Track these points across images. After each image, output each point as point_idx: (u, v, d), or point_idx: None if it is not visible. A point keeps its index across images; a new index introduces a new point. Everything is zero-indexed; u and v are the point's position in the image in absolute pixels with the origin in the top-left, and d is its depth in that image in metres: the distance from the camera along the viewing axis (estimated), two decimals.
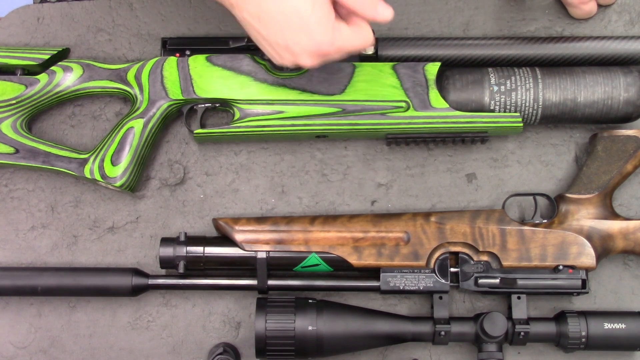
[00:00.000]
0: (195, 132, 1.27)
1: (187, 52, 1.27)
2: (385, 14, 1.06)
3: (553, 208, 1.27)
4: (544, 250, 1.22)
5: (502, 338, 1.20)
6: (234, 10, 1.08)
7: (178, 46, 1.28)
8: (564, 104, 1.24)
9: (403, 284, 1.22)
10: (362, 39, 1.08)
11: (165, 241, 1.24)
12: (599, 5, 1.34)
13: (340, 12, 1.08)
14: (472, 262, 1.23)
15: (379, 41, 1.27)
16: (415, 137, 1.25)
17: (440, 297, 1.23)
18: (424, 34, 1.35)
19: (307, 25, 1.03)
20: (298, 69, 1.25)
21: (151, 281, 1.25)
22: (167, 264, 1.24)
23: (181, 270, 1.23)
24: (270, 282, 1.24)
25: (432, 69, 1.25)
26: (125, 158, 1.26)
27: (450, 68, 1.27)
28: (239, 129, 1.25)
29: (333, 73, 1.25)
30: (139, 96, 1.27)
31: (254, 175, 1.33)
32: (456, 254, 1.24)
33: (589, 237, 1.23)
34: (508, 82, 1.24)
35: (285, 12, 1.03)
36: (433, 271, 1.23)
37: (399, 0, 1.35)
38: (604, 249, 1.24)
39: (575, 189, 1.25)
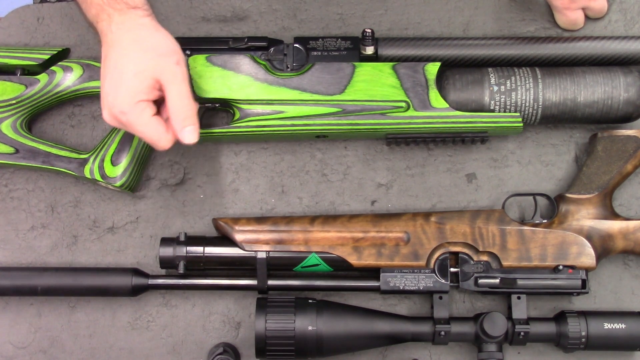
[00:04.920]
0: None
1: (187, 52, 1.26)
2: (188, 138, 1.15)
3: (553, 208, 1.27)
4: (544, 250, 1.22)
5: (502, 338, 1.20)
6: (102, 39, 1.17)
7: None
8: (564, 104, 1.24)
9: (403, 284, 1.22)
10: (155, 133, 1.14)
11: (165, 241, 1.24)
12: (588, 18, 1.34)
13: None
14: (472, 262, 1.23)
15: (379, 41, 1.27)
16: (415, 137, 1.25)
17: (440, 297, 1.23)
18: (424, 34, 1.35)
19: (118, 86, 1.12)
20: (299, 69, 1.26)
21: (151, 281, 1.25)
22: (167, 264, 1.24)
23: (181, 270, 1.23)
24: (270, 282, 1.24)
25: (432, 69, 1.25)
26: (125, 158, 1.26)
27: (450, 68, 1.27)
28: (239, 129, 1.25)
29: (333, 73, 1.25)
30: None
31: (254, 175, 1.33)
32: (456, 254, 1.24)
33: (589, 237, 1.23)
34: (508, 82, 1.24)
35: (117, 65, 1.13)
36: (433, 271, 1.23)
37: (399, 0, 1.35)
38: (604, 249, 1.24)
39: (575, 189, 1.25)
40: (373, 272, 1.24)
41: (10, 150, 1.27)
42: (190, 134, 1.14)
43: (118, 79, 1.12)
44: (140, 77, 1.12)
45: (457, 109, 1.24)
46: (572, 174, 1.31)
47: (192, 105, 1.15)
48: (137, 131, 1.14)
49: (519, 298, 1.23)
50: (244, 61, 1.26)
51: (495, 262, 1.23)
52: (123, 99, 1.12)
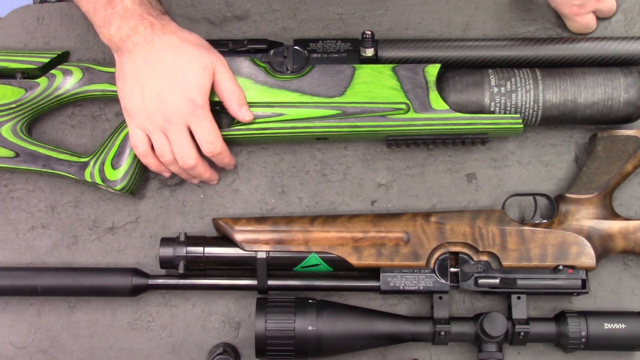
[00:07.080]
0: None
1: None
2: (247, 116, 1.24)
3: (553, 208, 1.26)
4: (544, 250, 1.22)
5: (502, 338, 1.20)
6: (123, 54, 1.19)
7: None
8: (564, 105, 1.24)
9: (403, 284, 1.22)
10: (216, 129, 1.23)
11: (165, 241, 1.24)
12: (599, 18, 1.33)
13: None
14: (472, 262, 1.23)
15: (378, 43, 1.27)
16: (415, 139, 1.25)
17: (440, 297, 1.23)
18: (424, 34, 1.35)
19: (189, 82, 1.18)
20: (298, 72, 1.25)
21: (151, 281, 1.25)
22: (167, 264, 1.24)
23: (181, 270, 1.23)
24: (270, 282, 1.24)
25: (432, 70, 1.25)
26: (126, 161, 1.25)
27: (450, 69, 1.27)
28: (239, 131, 1.25)
29: (333, 75, 1.25)
30: None
31: (254, 175, 1.33)
32: (456, 254, 1.24)
33: (589, 237, 1.23)
34: (508, 83, 1.24)
35: (178, 64, 1.18)
36: (433, 271, 1.23)
37: (399, 0, 1.35)
38: (604, 249, 1.24)
39: (575, 189, 1.25)
40: (373, 272, 1.24)
41: (11, 154, 1.27)
42: (247, 112, 1.24)
43: (183, 77, 1.18)
44: (207, 71, 1.19)
45: (457, 111, 1.24)
46: (572, 174, 1.31)
47: (240, 88, 1.24)
48: (202, 126, 1.20)
49: (519, 298, 1.23)
50: (243, 64, 1.26)
51: (495, 262, 1.23)
52: (197, 93, 1.19)
